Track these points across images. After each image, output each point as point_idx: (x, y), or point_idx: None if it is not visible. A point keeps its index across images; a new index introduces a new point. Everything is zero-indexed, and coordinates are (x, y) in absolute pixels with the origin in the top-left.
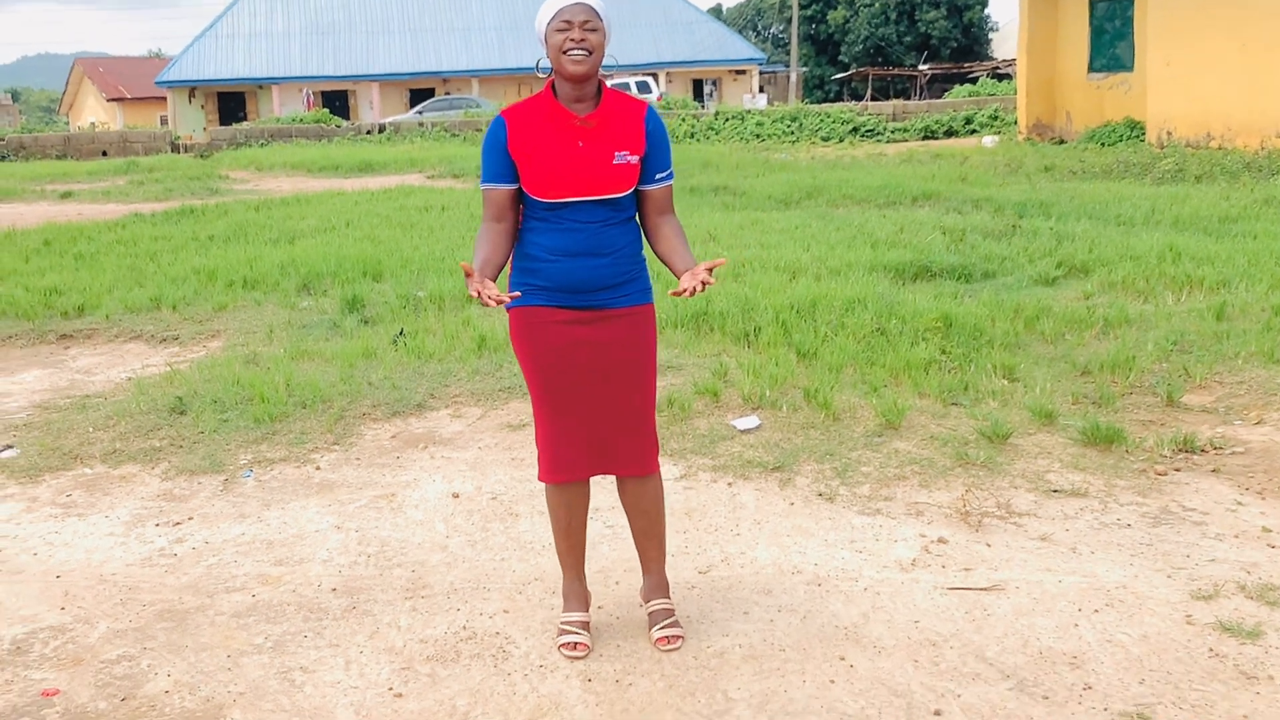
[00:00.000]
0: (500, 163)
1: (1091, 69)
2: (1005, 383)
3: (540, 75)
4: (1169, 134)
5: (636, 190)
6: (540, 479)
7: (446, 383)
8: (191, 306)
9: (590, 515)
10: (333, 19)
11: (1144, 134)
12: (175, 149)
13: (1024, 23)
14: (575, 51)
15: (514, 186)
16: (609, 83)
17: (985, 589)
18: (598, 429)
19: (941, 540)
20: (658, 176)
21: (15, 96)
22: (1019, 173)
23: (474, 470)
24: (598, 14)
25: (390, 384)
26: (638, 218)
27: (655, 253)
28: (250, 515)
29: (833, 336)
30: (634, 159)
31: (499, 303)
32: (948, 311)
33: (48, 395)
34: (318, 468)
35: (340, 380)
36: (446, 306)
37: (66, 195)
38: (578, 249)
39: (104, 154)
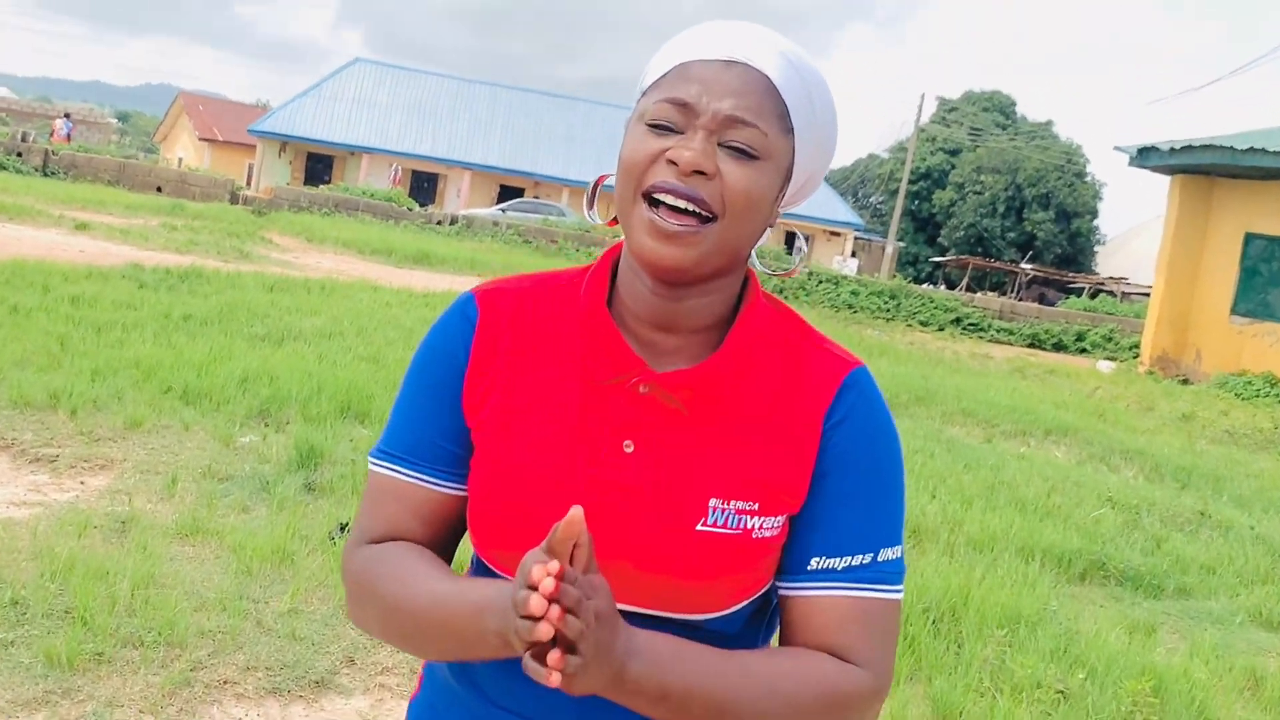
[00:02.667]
0: (439, 415)
1: (1235, 311)
2: None
3: (592, 220)
4: None
5: (772, 597)
6: None
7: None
8: (99, 415)
9: None
10: (436, 102)
11: None
12: (234, 200)
13: (1166, 247)
14: (670, 208)
15: (451, 489)
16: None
17: None
18: None
19: None
20: (815, 566)
21: (124, 118)
22: (1155, 415)
23: None
24: (778, 103)
25: (289, 629)
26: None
27: None
28: None
29: (993, 691)
30: (767, 525)
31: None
32: (1158, 669)
33: None
34: None
35: (218, 601)
36: None
37: (82, 227)
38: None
39: (158, 190)
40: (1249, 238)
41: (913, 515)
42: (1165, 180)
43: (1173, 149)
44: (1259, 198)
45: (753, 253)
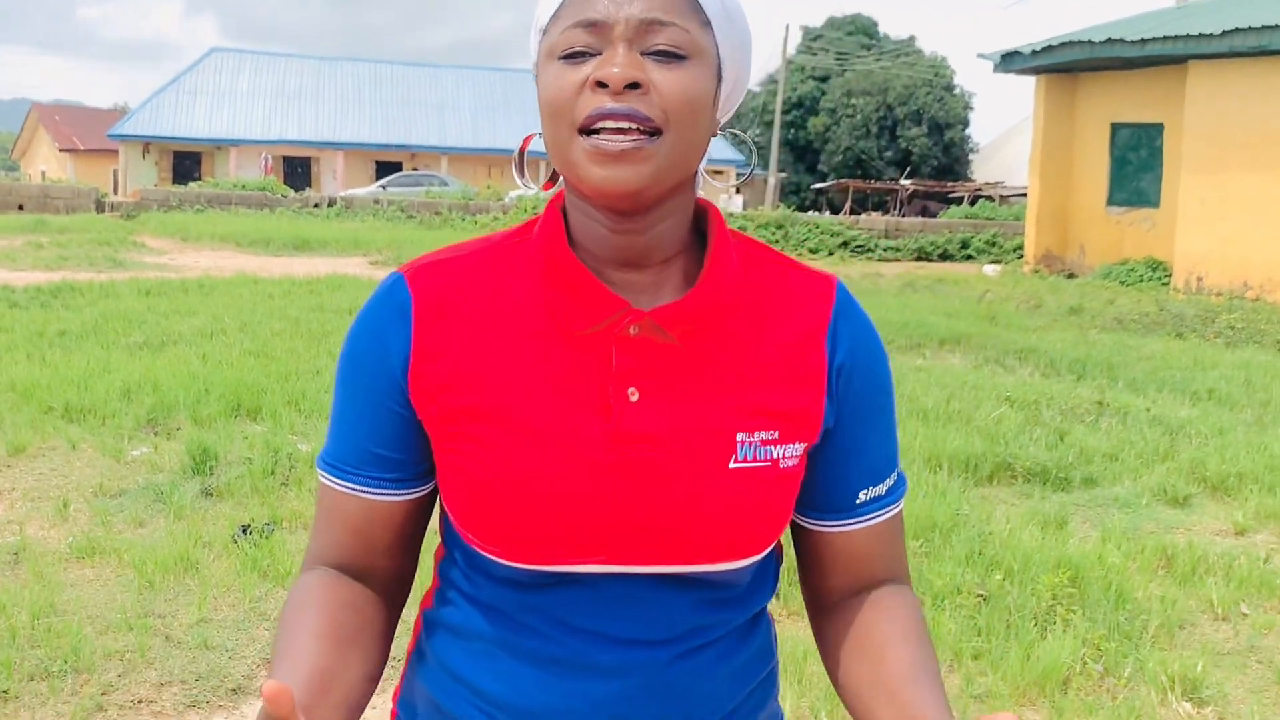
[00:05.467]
0: (376, 421)
1: (1111, 201)
2: (1191, 709)
3: (524, 187)
4: (1199, 279)
5: (797, 529)
6: None
7: None
8: None
9: None
10: (301, 84)
11: (1168, 276)
12: (100, 208)
13: (1037, 147)
14: (607, 135)
15: (406, 495)
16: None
17: None
18: None
19: None
20: (864, 498)
21: None
22: (1044, 312)
23: None
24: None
25: (200, 639)
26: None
27: (837, 686)
28: None
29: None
30: (789, 453)
31: None
32: (1073, 559)
33: None
34: None
35: (123, 621)
36: None
37: None
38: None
39: (20, 208)
40: (1115, 128)
41: None
42: (1032, 82)
43: (1034, 51)
44: (1120, 88)
45: (700, 175)
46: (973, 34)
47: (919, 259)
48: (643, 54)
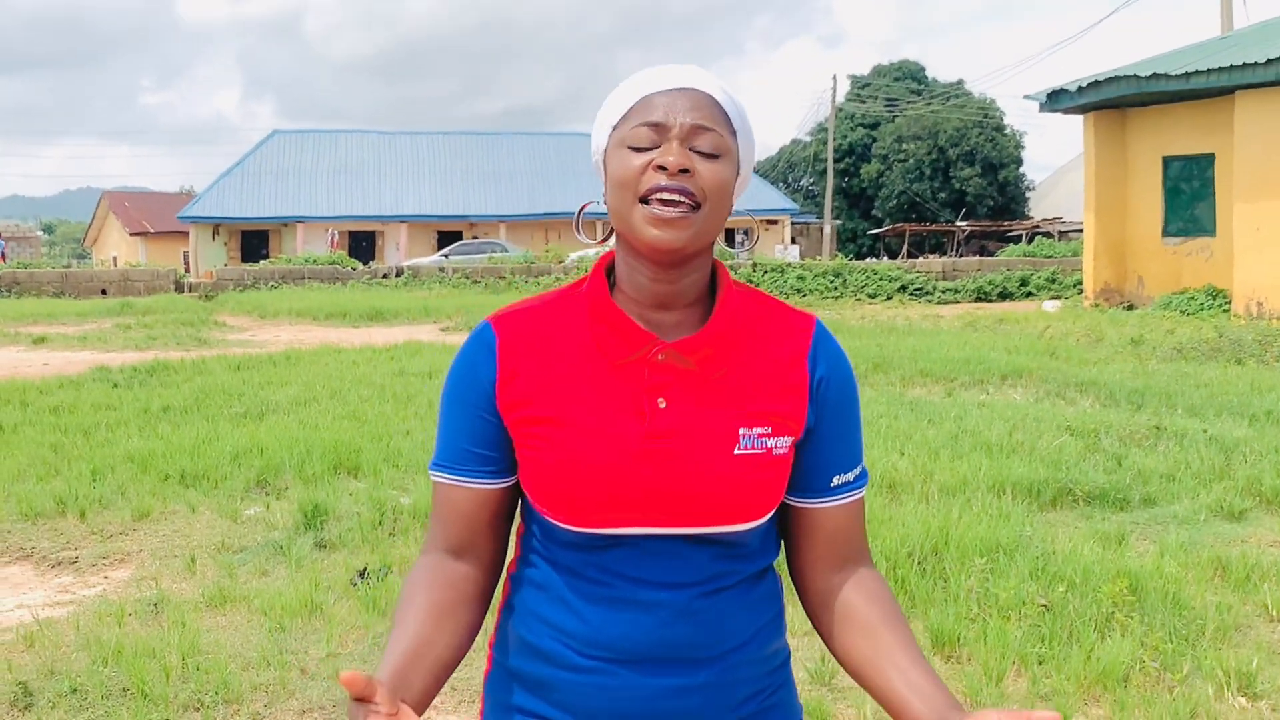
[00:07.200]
0: (473, 428)
1: (1166, 232)
2: (1246, 703)
3: (584, 242)
4: (1259, 305)
5: (786, 510)
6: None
7: None
8: (107, 512)
9: None
10: (361, 159)
11: (1228, 303)
12: (180, 289)
13: (1090, 183)
14: (664, 202)
15: (498, 484)
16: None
17: None
18: None
19: None
20: (837, 482)
21: (49, 229)
22: (1105, 345)
23: None
24: (723, 114)
25: (333, 671)
26: (788, 568)
27: (840, 656)
28: None
29: (982, 616)
30: (780, 444)
31: None
32: (1132, 570)
33: None
34: None
35: (261, 659)
36: None
37: (40, 340)
38: (637, 648)
39: (103, 292)
40: (1167, 160)
41: (885, 470)
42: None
43: (1080, 88)
44: (1169, 121)
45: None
46: (1020, 74)
47: (978, 299)
48: (690, 149)
